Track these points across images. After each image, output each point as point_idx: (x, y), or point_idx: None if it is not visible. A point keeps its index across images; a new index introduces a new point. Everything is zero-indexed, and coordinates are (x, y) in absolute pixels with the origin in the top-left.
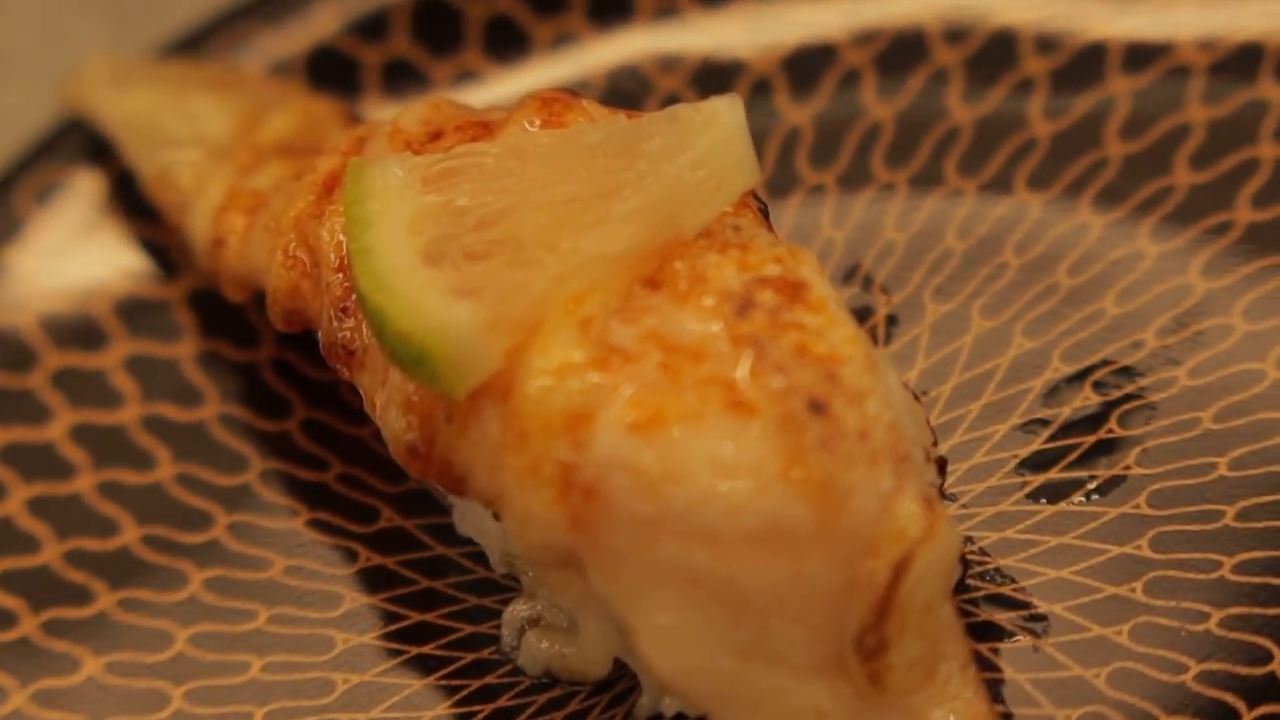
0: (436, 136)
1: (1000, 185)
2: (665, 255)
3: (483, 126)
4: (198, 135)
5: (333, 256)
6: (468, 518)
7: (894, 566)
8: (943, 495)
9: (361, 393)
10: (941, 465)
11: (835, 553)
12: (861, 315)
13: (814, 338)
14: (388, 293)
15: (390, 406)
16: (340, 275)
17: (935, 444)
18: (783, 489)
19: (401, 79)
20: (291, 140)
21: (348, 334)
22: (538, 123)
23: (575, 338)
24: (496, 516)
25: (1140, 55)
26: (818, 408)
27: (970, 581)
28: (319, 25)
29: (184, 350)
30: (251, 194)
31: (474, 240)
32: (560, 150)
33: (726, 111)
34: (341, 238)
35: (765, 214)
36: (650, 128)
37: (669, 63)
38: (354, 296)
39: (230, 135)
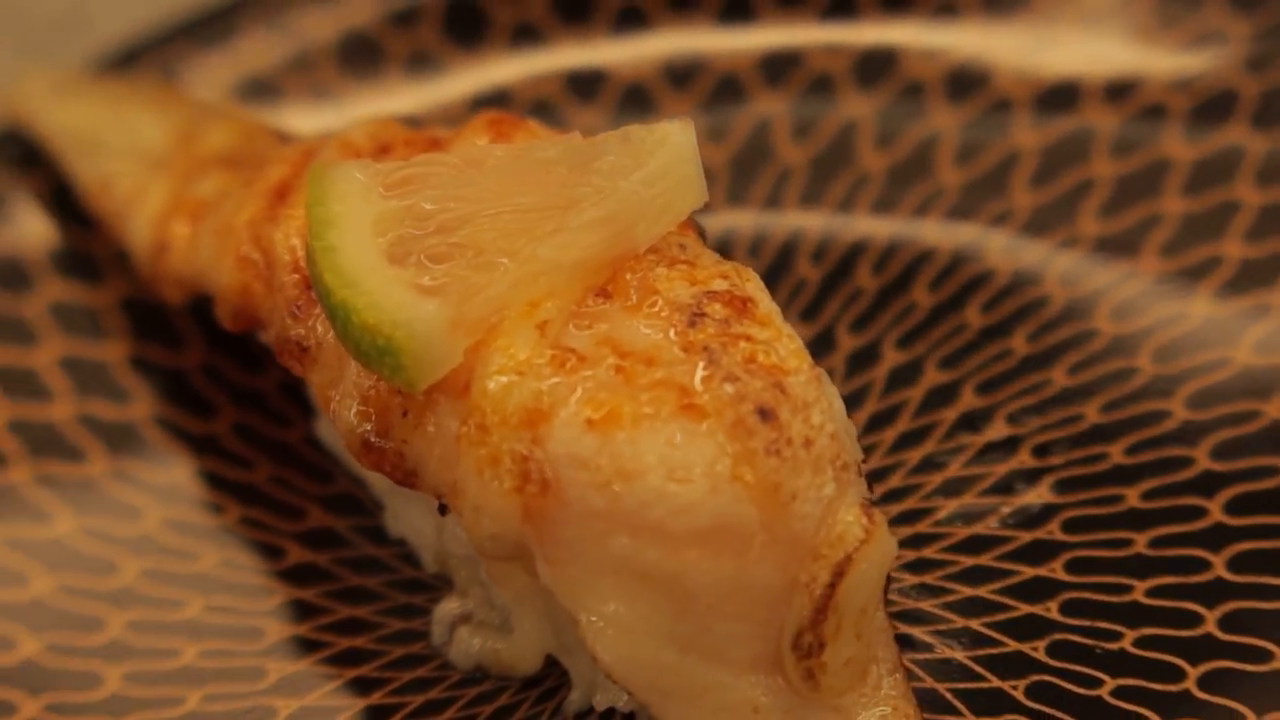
0: (385, 150)
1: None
2: (617, 267)
3: (431, 142)
4: (136, 147)
5: (287, 258)
6: (401, 518)
7: (834, 569)
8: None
9: (312, 389)
10: (869, 481)
11: (779, 554)
12: None
13: (763, 349)
14: (354, 288)
15: (345, 401)
16: (295, 275)
17: (864, 459)
18: (731, 490)
19: (325, 100)
20: (230, 153)
21: (302, 332)
22: (485, 140)
23: (533, 338)
24: (443, 510)
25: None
26: (766, 414)
27: (891, 597)
28: (249, 51)
29: (114, 353)
30: (195, 201)
31: (436, 243)
32: (517, 163)
33: (678, 133)
34: (295, 241)
35: (704, 236)
36: (604, 146)
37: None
38: (309, 295)
39: (168, 147)
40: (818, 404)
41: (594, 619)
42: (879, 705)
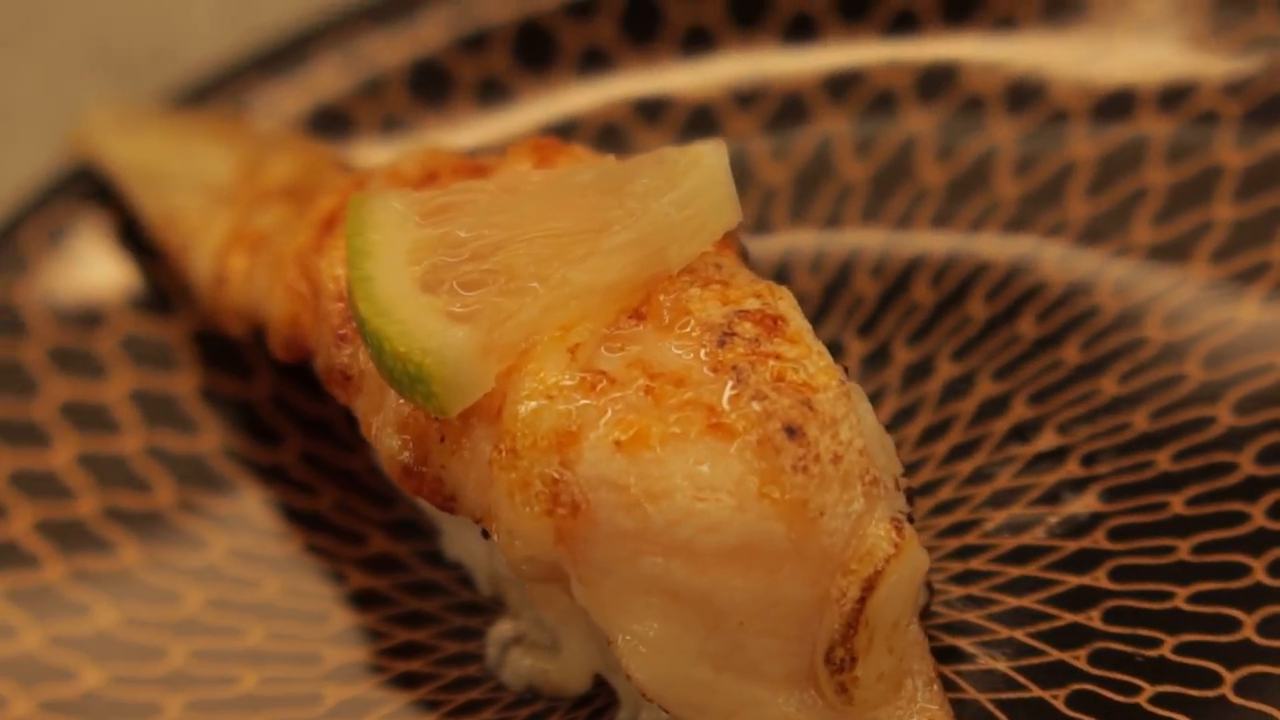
0: (432, 178)
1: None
2: (650, 289)
3: (476, 169)
4: (201, 180)
5: (332, 287)
6: (456, 542)
7: (864, 584)
8: (910, 520)
9: (357, 417)
10: (910, 495)
11: (808, 570)
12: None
13: (791, 367)
14: (386, 316)
15: (386, 428)
16: (339, 304)
17: (904, 474)
18: (759, 508)
19: (395, 130)
20: (291, 184)
21: (345, 360)
22: (529, 166)
23: (564, 362)
24: (486, 534)
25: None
26: (793, 432)
27: (936, 609)
28: (321, 80)
29: (184, 385)
30: (254, 234)
31: (470, 270)
32: (552, 188)
33: (711, 155)
34: (340, 270)
35: (745, 255)
36: (639, 168)
37: (651, 110)
38: (352, 324)
39: (232, 180)
40: (846, 420)
41: (627, 638)
42: (914, 717)
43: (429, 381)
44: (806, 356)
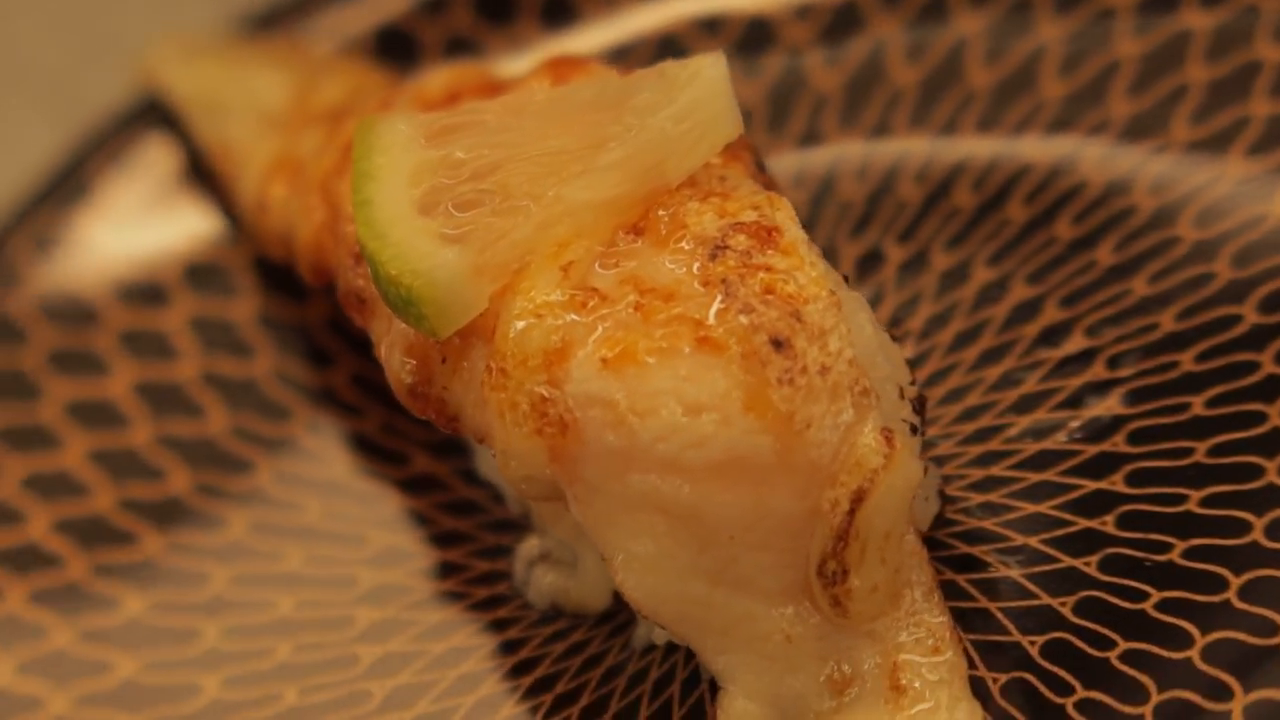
0: (455, 99)
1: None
2: (649, 203)
3: (498, 89)
4: (256, 107)
5: (348, 209)
6: (486, 460)
7: (852, 495)
8: (914, 431)
9: (372, 338)
10: (920, 402)
11: (796, 482)
12: (873, 262)
13: (782, 278)
14: (381, 239)
15: (393, 349)
16: (354, 227)
17: (913, 382)
18: (744, 421)
19: (459, 52)
20: (340, 108)
21: (360, 283)
22: (547, 83)
23: (556, 280)
24: None
25: None
26: (780, 344)
27: (954, 516)
28: (386, 4)
29: (241, 312)
30: (296, 160)
31: (466, 190)
32: (555, 106)
33: (710, 67)
34: None
35: (760, 166)
36: (640, 83)
37: (709, 27)
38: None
39: (286, 105)
40: (835, 330)
41: (620, 555)
42: (912, 628)
43: (419, 304)
44: (798, 268)
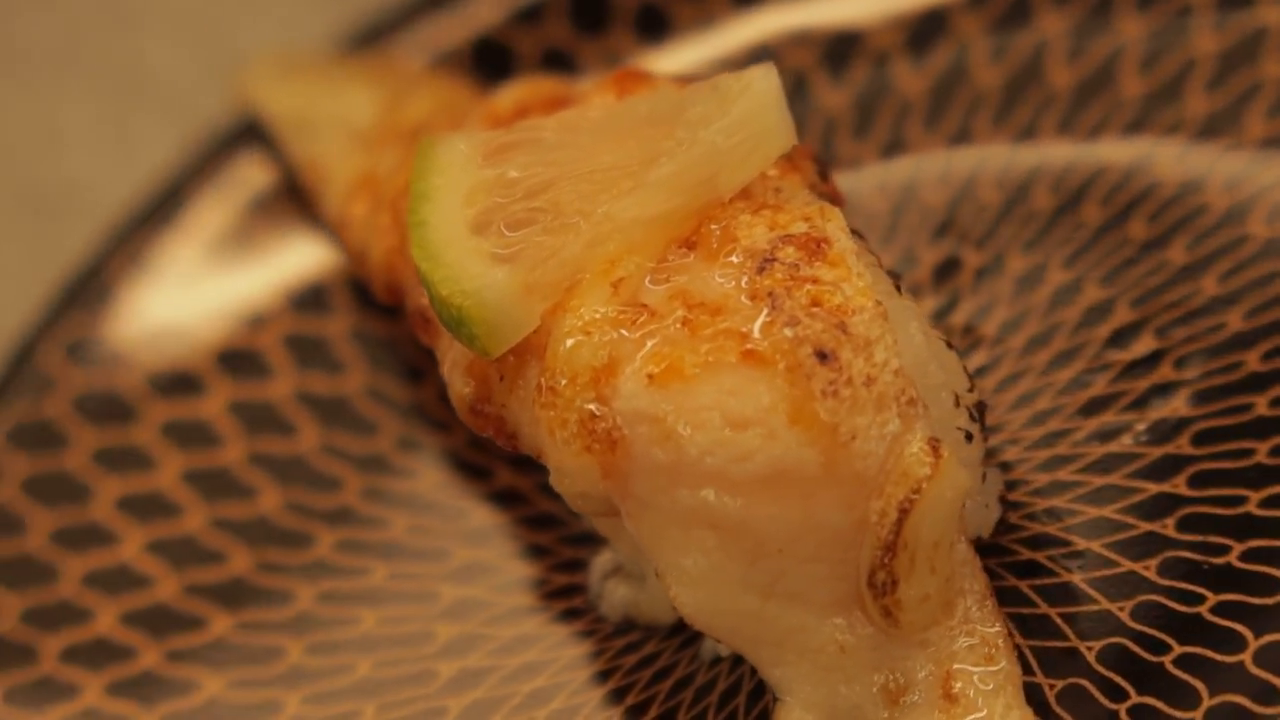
0: (523, 114)
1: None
2: (702, 217)
3: (566, 104)
4: (345, 124)
5: None
6: None
7: (899, 506)
8: (969, 438)
9: (437, 357)
10: (979, 409)
11: (843, 494)
12: (950, 268)
13: (829, 290)
14: (434, 260)
15: (455, 369)
16: None
17: (971, 389)
18: (790, 435)
19: (554, 66)
20: (425, 126)
21: (425, 302)
22: (610, 98)
23: (605, 296)
24: None
25: None
26: (825, 356)
27: (1018, 522)
28: (479, 17)
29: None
30: (376, 178)
31: (519, 209)
32: (610, 122)
33: (761, 79)
34: None
35: (824, 176)
36: (693, 97)
37: (799, 38)
38: None
39: (373, 123)
40: (881, 341)
41: (671, 570)
42: (966, 637)
43: (470, 324)
44: (845, 279)
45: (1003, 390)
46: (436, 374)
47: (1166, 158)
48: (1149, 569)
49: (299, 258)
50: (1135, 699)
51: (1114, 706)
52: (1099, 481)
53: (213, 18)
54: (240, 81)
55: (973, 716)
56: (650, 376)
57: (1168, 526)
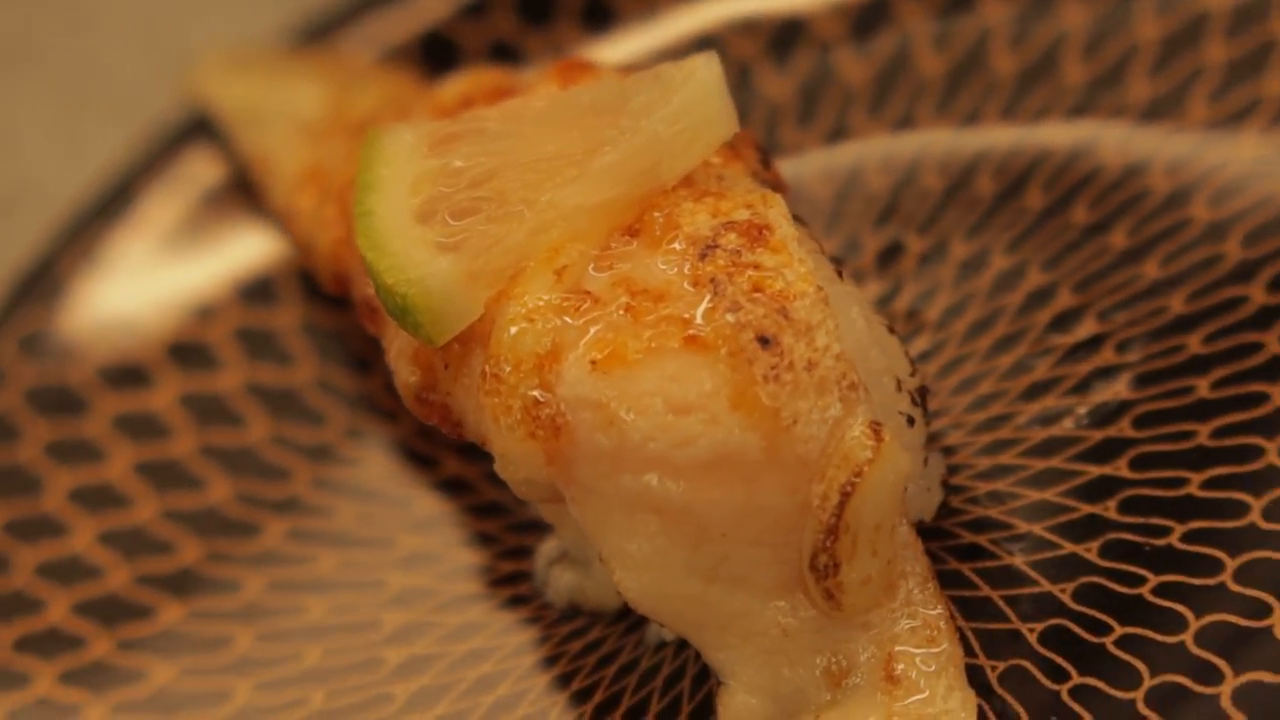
0: (468, 105)
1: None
2: (645, 205)
3: (510, 94)
4: (293, 118)
5: None
6: None
7: (841, 489)
8: (912, 422)
9: (383, 345)
10: (921, 394)
11: (785, 478)
12: (893, 254)
13: (771, 276)
14: (379, 250)
15: (400, 357)
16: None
17: (913, 373)
18: (732, 419)
19: (501, 58)
20: (375, 118)
21: (370, 292)
22: (554, 88)
23: (549, 284)
24: None
25: None
26: (766, 341)
27: (960, 506)
28: (427, 11)
29: (284, 320)
30: (323, 170)
31: (464, 198)
32: (553, 112)
33: (703, 68)
34: None
35: (765, 164)
36: (636, 86)
37: (744, 27)
38: None
39: (321, 116)
40: (823, 326)
41: (615, 555)
42: (908, 619)
43: (414, 312)
44: (786, 265)
45: (945, 375)
46: (384, 364)
47: (1110, 142)
48: (1090, 551)
49: (248, 250)
50: (1077, 679)
51: (1056, 687)
52: (1041, 465)
53: (164, 17)
54: (191, 77)
55: (914, 698)
56: (593, 363)
57: (1109, 509)
